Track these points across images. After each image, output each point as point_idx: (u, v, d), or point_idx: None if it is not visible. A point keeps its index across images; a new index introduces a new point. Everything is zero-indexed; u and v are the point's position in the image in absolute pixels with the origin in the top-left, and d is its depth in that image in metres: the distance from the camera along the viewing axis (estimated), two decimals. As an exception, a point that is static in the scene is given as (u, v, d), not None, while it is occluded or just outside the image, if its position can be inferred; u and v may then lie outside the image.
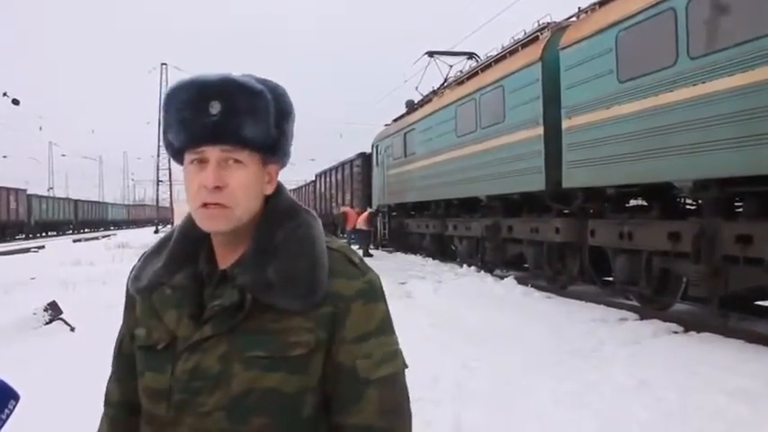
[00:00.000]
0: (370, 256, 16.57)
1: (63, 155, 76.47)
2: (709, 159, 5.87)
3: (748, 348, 5.48)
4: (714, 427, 3.60)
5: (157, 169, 50.60)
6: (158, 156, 49.39)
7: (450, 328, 6.79)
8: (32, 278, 11.64)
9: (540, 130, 9.20)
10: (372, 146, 20.94)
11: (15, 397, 1.00)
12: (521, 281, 10.10)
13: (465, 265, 12.88)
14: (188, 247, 1.02)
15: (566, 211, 9.27)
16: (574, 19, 9.16)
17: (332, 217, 25.42)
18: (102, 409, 1.12)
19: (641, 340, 5.96)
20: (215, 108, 0.92)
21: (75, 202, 54.59)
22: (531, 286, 9.72)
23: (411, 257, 16.44)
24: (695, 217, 6.69)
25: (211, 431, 0.92)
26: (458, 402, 4.08)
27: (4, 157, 59.18)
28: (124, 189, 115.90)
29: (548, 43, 9.32)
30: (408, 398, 1.00)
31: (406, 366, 1.00)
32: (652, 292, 7.31)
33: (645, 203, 8.08)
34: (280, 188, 1.03)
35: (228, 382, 0.92)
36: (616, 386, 4.41)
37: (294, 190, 41.80)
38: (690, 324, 6.48)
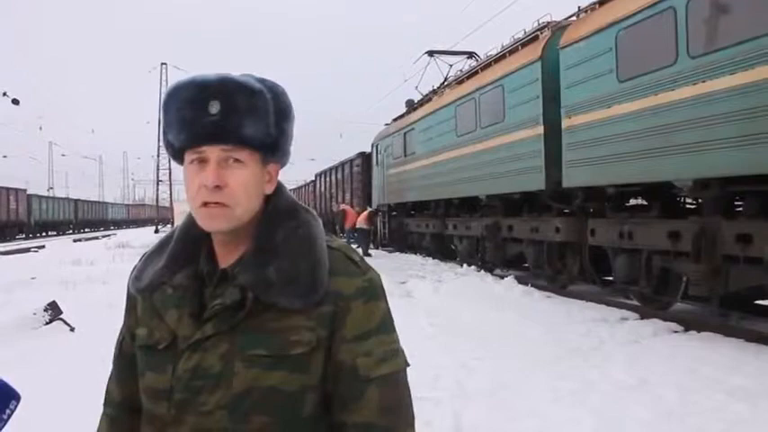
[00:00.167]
0: (369, 255, 16.57)
1: (63, 155, 76.54)
2: (710, 158, 5.87)
3: (748, 348, 5.48)
4: (714, 426, 3.60)
5: (157, 169, 50.63)
6: (158, 155, 49.40)
7: (450, 327, 6.80)
8: (32, 278, 11.64)
9: (540, 130, 9.20)
10: (372, 145, 20.94)
11: (16, 397, 1.00)
12: (521, 280, 10.10)
13: (465, 265, 12.88)
14: (189, 246, 1.02)
15: (566, 211, 9.27)
16: (574, 18, 9.16)
17: (331, 215, 25.42)
18: (101, 410, 1.12)
19: (641, 339, 5.96)
20: (214, 108, 0.92)
21: (76, 201, 54.57)
22: (531, 286, 9.72)
23: (411, 257, 16.44)
24: (695, 216, 6.70)
25: (213, 430, 0.92)
26: (458, 401, 4.08)
27: (4, 156, 59.20)
28: (124, 189, 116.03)
29: (548, 42, 9.32)
30: (410, 396, 1.00)
31: (408, 365, 1.00)
32: (652, 291, 7.31)
33: (645, 203, 8.08)
34: (280, 187, 1.04)
35: (230, 381, 0.92)
36: (616, 385, 4.41)
37: (294, 189, 41.80)
38: (690, 323, 6.48)
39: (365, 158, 22.79)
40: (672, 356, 5.21)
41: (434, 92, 16.41)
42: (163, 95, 1.00)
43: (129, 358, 1.06)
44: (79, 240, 33.33)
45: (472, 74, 12.92)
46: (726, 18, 5.74)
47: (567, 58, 8.34)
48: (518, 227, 10.58)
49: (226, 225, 0.95)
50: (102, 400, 1.12)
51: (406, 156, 16.62)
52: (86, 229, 55.14)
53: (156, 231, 42.39)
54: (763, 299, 6.70)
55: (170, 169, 48.17)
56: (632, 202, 8.37)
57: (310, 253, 0.97)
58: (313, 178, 36.01)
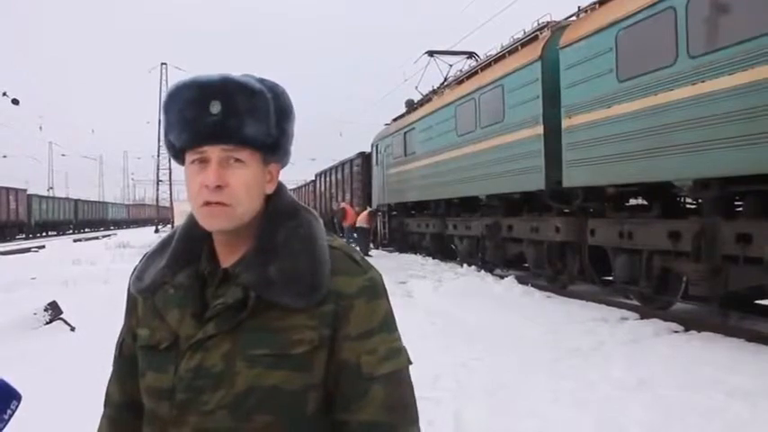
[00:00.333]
0: (369, 255, 16.57)
1: (63, 154, 76.51)
2: (710, 158, 5.88)
3: (748, 347, 5.49)
4: (713, 426, 3.61)
5: (157, 169, 50.65)
6: (158, 155, 49.40)
7: (451, 327, 6.80)
8: (33, 278, 11.65)
9: (540, 130, 9.20)
10: (372, 145, 20.94)
11: (17, 397, 1.00)
12: (521, 280, 10.10)
13: (465, 265, 12.88)
14: (190, 246, 1.02)
15: (566, 211, 9.27)
16: (573, 18, 9.16)
17: (332, 214, 25.41)
18: (102, 410, 1.13)
19: (641, 339, 5.96)
20: (215, 108, 0.92)
21: (76, 201, 54.57)
22: (532, 285, 9.73)
23: (411, 257, 16.44)
24: (695, 216, 6.70)
25: (215, 430, 0.92)
26: (458, 401, 4.09)
27: (4, 156, 59.18)
28: (124, 189, 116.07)
29: (547, 42, 9.32)
30: (413, 394, 1.00)
31: (411, 362, 1.01)
32: (652, 291, 7.31)
33: (645, 203, 8.08)
34: (280, 187, 1.04)
35: (232, 381, 0.92)
36: (616, 385, 4.41)
37: (294, 189, 41.80)
38: (690, 323, 6.48)
39: (365, 158, 22.78)
40: (672, 356, 5.21)
41: (434, 92, 16.41)
42: (164, 96, 1.00)
43: (130, 359, 1.06)
44: (79, 240, 33.33)
45: (472, 74, 12.93)
46: (725, 18, 5.74)
47: (567, 57, 8.34)
48: (518, 227, 10.58)
49: (227, 224, 0.95)
50: (103, 401, 1.12)
51: (406, 155, 16.63)
52: (86, 229, 55.14)
53: (157, 231, 42.42)
54: (763, 299, 6.70)
55: (170, 169, 48.18)
56: (632, 201, 8.37)
57: (312, 252, 0.97)
58: (313, 178, 36.01)
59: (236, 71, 0.98)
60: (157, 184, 51.89)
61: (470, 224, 12.76)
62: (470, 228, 12.76)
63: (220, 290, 0.97)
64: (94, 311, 7.12)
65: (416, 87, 18.50)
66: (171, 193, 49.32)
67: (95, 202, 66.43)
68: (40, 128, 57.08)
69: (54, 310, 6.82)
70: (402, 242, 18.63)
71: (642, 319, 6.97)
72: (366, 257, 1.06)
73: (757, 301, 6.84)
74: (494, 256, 11.79)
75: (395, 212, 19.35)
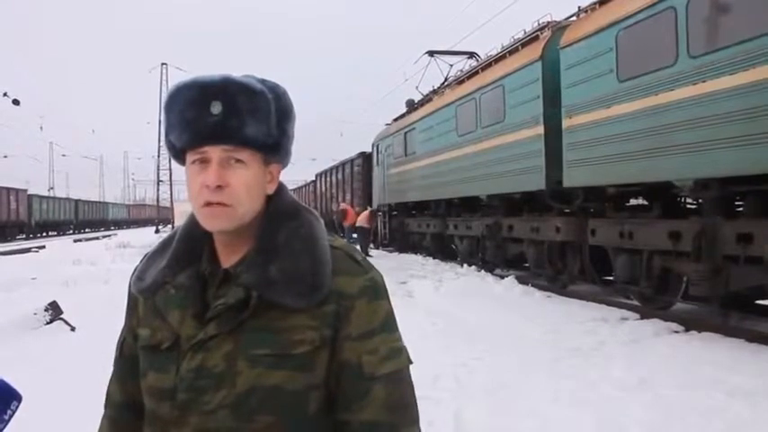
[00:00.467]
0: (370, 256, 16.57)
1: (63, 155, 76.55)
2: (710, 158, 5.87)
3: (749, 347, 5.49)
4: (714, 426, 3.60)
5: (158, 169, 50.64)
6: (159, 156, 49.39)
7: (451, 327, 6.80)
8: (33, 278, 11.65)
9: (541, 130, 9.20)
10: (373, 145, 20.94)
11: (18, 398, 1.00)
12: (521, 280, 10.10)
13: (465, 265, 12.88)
14: (191, 246, 1.02)
15: (566, 211, 9.27)
16: (574, 18, 9.16)
17: (332, 214, 25.40)
18: (102, 410, 1.13)
19: (641, 339, 5.96)
20: (216, 108, 0.92)
21: (76, 201, 54.57)
22: (532, 285, 9.73)
23: (411, 257, 16.44)
24: (696, 216, 6.70)
25: (216, 430, 0.92)
26: (458, 401, 4.09)
27: (5, 157, 59.17)
28: (125, 189, 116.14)
29: (548, 42, 9.32)
30: (414, 394, 1.00)
31: (411, 362, 1.01)
32: (652, 291, 7.31)
33: (645, 203, 8.08)
34: (281, 188, 1.04)
35: (233, 381, 0.92)
36: (616, 385, 4.41)
37: (294, 190, 41.80)
38: (690, 323, 6.48)
39: (366, 158, 22.79)
40: (672, 356, 5.21)
41: (435, 92, 16.41)
42: (165, 96, 1.00)
43: (130, 359, 1.06)
44: (80, 240, 33.33)
45: (473, 74, 12.92)
46: (726, 18, 5.74)
47: (568, 58, 8.34)
48: (518, 227, 10.58)
49: (228, 225, 0.95)
50: (103, 401, 1.12)
51: (406, 156, 16.63)
52: (87, 230, 55.15)
53: (157, 231, 42.43)
54: (763, 299, 6.70)
55: (170, 169, 48.14)
56: (633, 202, 8.37)
57: (313, 252, 0.97)
58: (313, 178, 36.01)
59: (236, 71, 0.98)
60: (158, 184, 51.91)
61: (471, 224, 12.76)
62: (471, 228, 12.76)
63: (221, 290, 0.97)
64: (95, 312, 7.13)
65: (417, 87, 18.53)
66: (171, 194, 49.31)
67: (96, 202, 66.44)
68: (41, 128, 57.07)
69: (54, 311, 6.82)
70: (402, 242, 18.63)
71: (642, 319, 6.97)
72: (366, 257, 1.06)
73: (758, 302, 6.84)
74: (494, 256, 11.79)
75: (395, 212, 19.35)
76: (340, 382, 0.96)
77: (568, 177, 8.35)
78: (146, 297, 1.04)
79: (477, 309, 7.84)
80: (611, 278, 8.45)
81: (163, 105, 0.98)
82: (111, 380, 1.12)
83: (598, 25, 7.69)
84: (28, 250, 23.08)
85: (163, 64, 47.66)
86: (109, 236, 38.14)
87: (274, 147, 0.98)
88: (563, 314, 7.43)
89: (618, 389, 4.32)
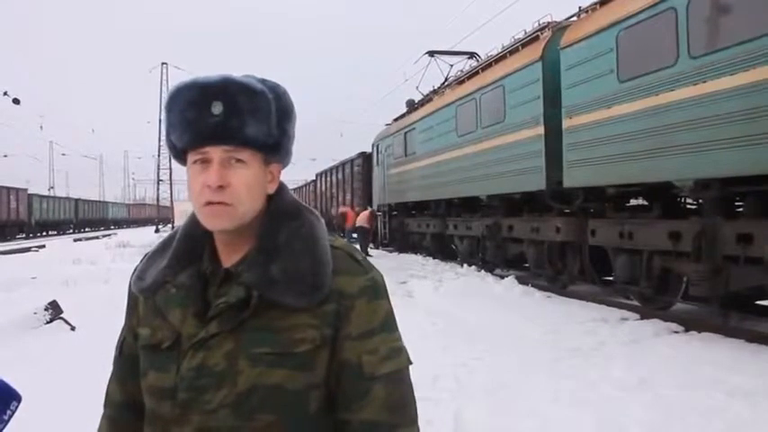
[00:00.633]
0: (370, 256, 16.57)
1: (63, 154, 76.61)
2: (711, 159, 5.87)
3: (749, 348, 5.49)
4: (714, 426, 3.61)
5: (158, 168, 50.65)
6: (159, 155, 49.41)
7: (451, 327, 6.80)
8: (33, 277, 11.65)
9: (541, 130, 9.20)
10: (373, 145, 20.95)
11: (17, 398, 1.00)
12: (521, 280, 10.10)
13: (465, 265, 12.88)
14: (192, 246, 1.03)
15: (566, 211, 9.27)
16: (574, 18, 9.16)
17: (329, 216, 25.41)
18: (102, 410, 1.12)
19: (641, 340, 5.96)
20: (217, 108, 0.93)
21: (76, 201, 54.56)
22: (532, 286, 9.73)
23: (411, 257, 16.44)
24: (696, 216, 6.70)
25: (217, 429, 0.92)
26: (458, 401, 4.09)
27: (5, 156, 59.21)
28: (125, 188, 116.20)
29: (548, 43, 9.32)
30: (413, 394, 1.01)
31: (411, 362, 1.01)
32: (652, 291, 7.31)
33: (645, 203, 8.08)
34: (282, 188, 1.04)
35: (234, 380, 0.92)
36: (616, 385, 4.41)
37: (294, 189, 41.82)
38: (690, 324, 6.48)
39: (366, 158, 22.80)
40: (672, 356, 5.21)
41: (435, 92, 16.41)
42: (165, 97, 1.01)
43: (130, 358, 1.06)
44: (80, 240, 33.34)
45: (473, 74, 12.92)
46: (726, 18, 5.74)
47: (568, 58, 8.34)
48: (518, 227, 10.58)
49: (229, 224, 0.95)
50: (103, 401, 1.12)
51: (406, 156, 16.63)
52: (87, 229, 55.15)
53: (157, 231, 42.44)
54: (763, 299, 6.70)
55: (170, 169, 48.16)
56: (633, 202, 8.37)
57: (314, 252, 0.97)
58: (313, 178, 36.02)
59: (236, 71, 0.98)
60: (158, 183, 51.91)
61: (471, 224, 12.76)
62: (471, 228, 12.76)
63: (222, 289, 0.97)
64: (95, 311, 7.13)
65: (417, 87, 18.55)
66: (171, 193, 49.33)
67: (96, 201, 66.42)
68: (41, 127, 57.11)
69: (54, 310, 6.82)
70: (402, 242, 18.64)
71: (642, 319, 6.97)
72: (366, 257, 1.06)
73: (758, 302, 6.84)
74: (494, 257, 11.79)
75: (395, 212, 19.36)
76: (340, 382, 0.96)
77: (568, 177, 8.35)
78: (146, 296, 1.04)
79: (477, 309, 7.84)
80: (610, 278, 8.45)
81: (164, 106, 0.98)
82: (110, 379, 1.12)
83: (599, 25, 7.69)
84: (28, 250, 23.08)
85: (163, 63, 47.72)
86: (109, 235, 38.14)
87: (275, 147, 0.99)
88: (563, 314, 7.43)
89: (618, 389, 4.32)
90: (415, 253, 17.11)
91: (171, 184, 49.00)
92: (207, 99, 0.93)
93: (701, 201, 6.80)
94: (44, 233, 44.51)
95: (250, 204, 0.96)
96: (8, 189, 36.81)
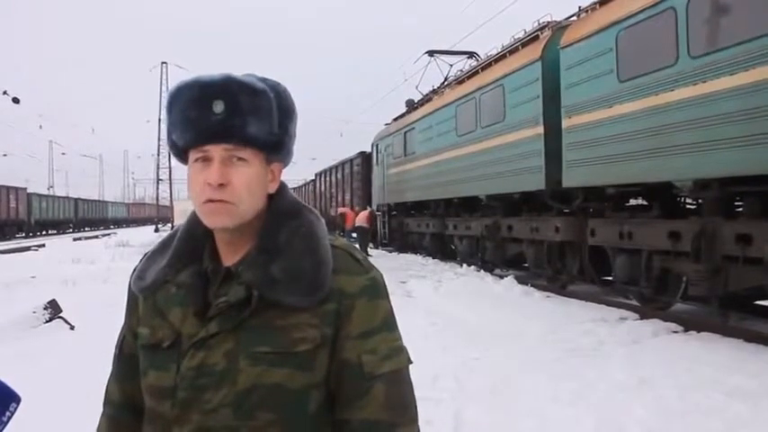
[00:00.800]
0: (369, 255, 16.57)
1: (63, 153, 76.51)
2: (710, 159, 5.88)
3: (748, 348, 5.49)
4: (713, 426, 3.61)
5: (158, 168, 50.63)
6: (158, 154, 49.39)
7: (450, 327, 6.80)
8: (32, 277, 11.66)
9: (541, 130, 9.21)
10: (372, 145, 20.95)
11: (16, 399, 1.00)
12: (520, 280, 10.10)
13: (465, 265, 12.88)
14: (192, 245, 1.03)
15: (566, 211, 9.27)
16: (574, 18, 9.16)
17: (328, 216, 25.40)
18: (102, 409, 1.12)
19: (641, 340, 5.96)
20: (218, 107, 0.93)
21: (76, 200, 54.56)
22: (531, 285, 9.73)
23: (411, 257, 16.45)
24: (695, 216, 6.70)
25: (217, 428, 0.92)
26: (458, 401, 4.09)
27: (4, 155, 59.22)
28: (124, 188, 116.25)
29: (548, 42, 9.32)
30: (413, 393, 1.01)
31: (411, 362, 1.01)
32: (652, 291, 7.32)
33: (645, 203, 8.08)
34: (283, 187, 1.04)
35: (234, 379, 0.92)
36: (616, 385, 4.41)
37: (294, 189, 41.75)
38: (690, 323, 6.48)
39: (365, 158, 22.80)
40: (671, 356, 5.21)
41: (435, 91, 16.41)
42: (166, 96, 1.01)
43: (130, 357, 1.06)
44: (79, 239, 33.35)
45: (472, 74, 12.92)
46: (726, 18, 5.74)
47: (568, 58, 8.34)
48: (518, 227, 10.59)
49: (229, 222, 0.95)
50: (103, 400, 1.12)
51: (406, 155, 16.63)
52: (86, 228, 55.14)
53: (157, 230, 42.43)
54: (762, 299, 6.70)
55: (170, 168, 48.17)
56: (632, 202, 8.37)
57: (314, 251, 0.97)
58: (313, 178, 36.02)
59: (236, 70, 0.98)
60: (157, 183, 51.89)
61: (470, 224, 12.76)
62: (470, 228, 12.76)
63: (222, 288, 0.97)
64: (94, 310, 7.13)
65: (417, 87, 18.55)
66: (171, 192, 49.34)
67: (95, 200, 66.42)
68: (40, 126, 57.11)
69: (53, 309, 6.82)
70: (402, 242, 18.64)
71: (642, 319, 6.97)
72: (366, 257, 1.06)
73: (757, 302, 6.85)
74: (493, 256, 11.79)
75: (395, 212, 19.36)
76: (340, 381, 0.96)
77: (568, 177, 8.35)
78: (146, 296, 1.04)
79: (476, 309, 7.84)
80: (610, 278, 8.46)
81: (165, 105, 0.98)
82: (110, 378, 1.12)
83: (598, 25, 7.69)
84: (27, 249, 23.08)
85: (163, 62, 47.81)
86: (108, 234, 38.12)
87: (276, 146, 0.99)
88: (562, 314, 7.43)
89: (617, 389, 4.32)
90: (415, 253, 17.11)
91: (171, 183, 49.02)
92: (208, 98, 0.93)
93: (700, 201, 6.80)
94: (43, 232, 44.51)
95: (250, 203, 0.96)
96: (7, 188, 36.82)
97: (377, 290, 1.00)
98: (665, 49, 6.38)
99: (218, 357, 0.93)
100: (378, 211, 20.17)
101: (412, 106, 17.99)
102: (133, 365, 1.04)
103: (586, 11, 8.70)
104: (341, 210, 21.90)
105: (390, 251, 19.24)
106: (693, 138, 6.06)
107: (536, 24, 10.51)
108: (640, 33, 6.87)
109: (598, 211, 8.43)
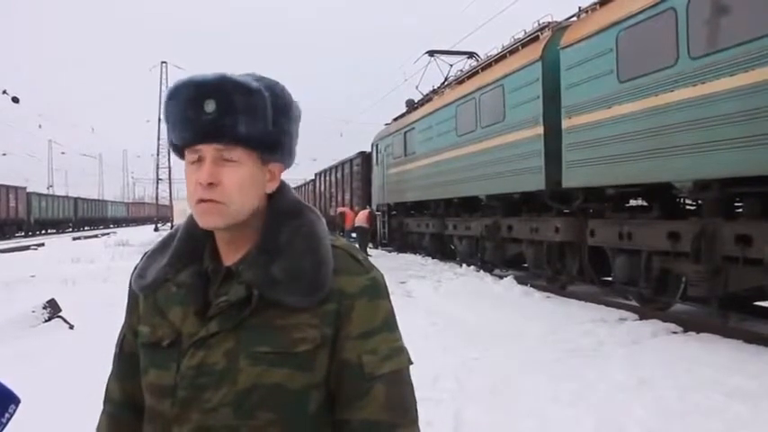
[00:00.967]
0: (369, 255, 16.56)
1: (63, 153, 76.42)
2: (710, 160, 5.88)
3: (748, 348, 5.49)
4: (713, 427, 3.61)
5: (157, 167, 50.63)
6: (158, 154, 49.39)
7: (450, 327, 6.80)
8: (32, 276, 11.65)
9: (540, 130, 9.21)
10: (372, 145, 20.94)
11: (16, 401, 1.00)
12: (520, 280, 10.10)
13: (464, 265, 12.88)
14: (193, 244, 1.03)
15: (565, 211, 9.27)
16: (574, 19, 9.16)
17: (327, 216, 25.40)
18: (101, 408, 1.12)
19: (640, 340, 5.96)
20: (210, 106, 0.92)
21: (75, 200, 54.55)
22: (531, 286, 9.73)
23: (411, 257, 16.45)
24: (695, 217, 6.70)
25: (217, 427, 0.92)
26: (458, 401, 4.09)
27: (4, 154, 59.21)
28: (124, 187, 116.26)
29: (548, 43, 9.32)
30: (414, 393, 1.00)
31: (411, 362, 1.01)
32: (651, 292, 7.32)
33: (645, 203, 8.08)
34: (283, 187, 1.04)
35: (234, 378, 0.92)
36: (615, 385, 4.41)
37: (294, 189, 41.73)
38: (689, 324, 6.48)
39: (365, 158, 22.80)
40: (671, 357, 5.21)
41: (435, 92, 16.42)
42: (164, 95, 1.00)
43: (131, 356, 1.06)
44: (78, 238, 33.34)
45: (472, 74, 12.92)
46: (726, 19, 5.74)
47: (568, 58, 8.34)
48: (517, 227, 10.59)
49: (221, 222, 0.95)
50: (103, 398, 1.12)
51: (406, 155, 16.63)
52: (86, 228, 55.13)
53: (156, 230, 42.43)
54: (762, 300, 6.70)
55: (170, 167, 48.20)
56: (632, 202, 8.37)
57: (314, 251, 0.97)
58: (313, 177, 36.03)
59: (236, 70, 0.98)
60: (157, 182, 51.90)
61: (470, 224, 12.76)
62: (470, 228, 12.76)
63: (223, 288, 0.97)
64: (93, 310, 7.13)
65: (417, 87, 18.55)
66: (170, 192, 49.34)
67: (95, 200, 66.42)
68: (40, 126, 57.08)
69: (53, 308, 6.82)
70: (401, 242, 18.64)
71: (641, 319, 6.97)
72: (367, 257, 1.06)
73: (756, 303, 6.85)
74: (493, 257, 11.79)
75: (394, 212, 19.36)
76: (340, 381, 0.96)
77: (568, 178, 8.35)
78: (146, 294, 1.04)
79: (476, 309, 7.84)
80: (610, 279, 8.46)
81: (163, 104, 0.98)
82: (110, 377, 1.12)
83: (598, 26, 7.69)
84: (27, 248, 23.08)
85: (163, 62, 47.79)
86: (108, 234, 38.13)
87: (271, 145, 0.98)
88: (562, 314, 7.43)
89: (617, 389, 4.32)
90: (415, 253, 17.11)
91: (170, 182, 49.03)
92: (201, 97, 0.93)
93: (700, 201, 6.80)
94: (43, 232, 44.50)
95: (242, 203, 0.96)
96: (7, 188, 36.83)
97: (377, 290, 0.99)
98: (665, 50, 6.38)
99: (218, 357, 0.93)
100: (377, 210, 20.17)
101: (412, 106, 17.99)
102: (133, 364, 1.04)
103: (586, 11, 8.70)
104: (340, 209, 21.88)
105: (390, 251, 19.24)
106: (693, 138, 6.06)
107: (536, 25, 10.51)
108: (640, 34, 6.87)
109: (598, 211, 8.43)
